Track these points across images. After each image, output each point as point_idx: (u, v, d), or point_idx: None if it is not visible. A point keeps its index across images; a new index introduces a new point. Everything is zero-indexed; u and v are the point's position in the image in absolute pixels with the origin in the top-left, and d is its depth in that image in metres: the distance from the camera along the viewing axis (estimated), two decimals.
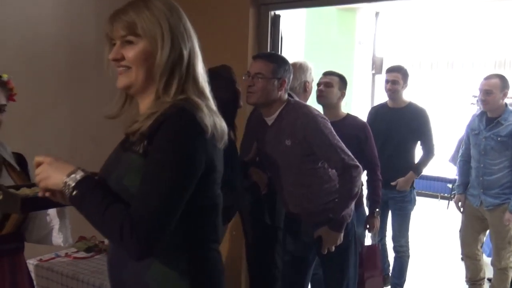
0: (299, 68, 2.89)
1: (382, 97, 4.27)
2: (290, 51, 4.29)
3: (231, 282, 3.38)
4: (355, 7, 7.48)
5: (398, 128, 3.63)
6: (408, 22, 8.21)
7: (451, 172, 6.37)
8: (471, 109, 6.36)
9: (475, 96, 6.76)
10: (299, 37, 6.28)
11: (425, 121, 3.64)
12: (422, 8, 7.69)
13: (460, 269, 4.62)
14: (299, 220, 2.48)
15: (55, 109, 3.11)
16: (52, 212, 1.98)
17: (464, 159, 3.68)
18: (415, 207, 3.82)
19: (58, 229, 1.99)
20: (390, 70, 3.73)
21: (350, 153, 2.29)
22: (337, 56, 7.10)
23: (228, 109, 2.17)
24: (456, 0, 7.25)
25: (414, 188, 3.76)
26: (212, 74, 1.48)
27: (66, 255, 2.55)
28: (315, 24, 7.13)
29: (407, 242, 3.81)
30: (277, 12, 3.53)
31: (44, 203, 1.36)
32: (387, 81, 3.74)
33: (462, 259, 4.84)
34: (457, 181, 3.86)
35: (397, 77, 3.65)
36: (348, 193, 2.28)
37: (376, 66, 8.18)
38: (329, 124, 2.34)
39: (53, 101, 3.10)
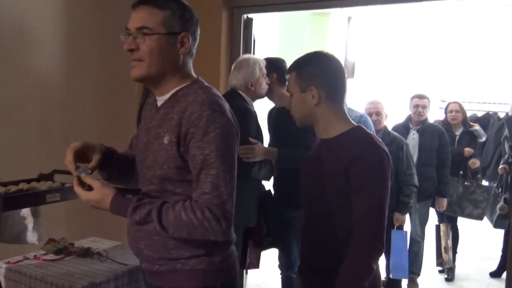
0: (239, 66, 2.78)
1: (354, 101, 4.31)
2: (264, 54, 4.32)
3: None
4: (328, 12, 7.58)
5: (283, 132, 2.84)
6: (380, 27, 8.37)
7: None
8: (439, 113, 6.50)
9: (444, 101, 6.95)
10: (272, 40, 6.33)
11: None
12: (394, 13, 7.85)
13: None
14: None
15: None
16: (26, 210, 1.95)
17: None
18: None
19: (32, 227, 1.96)
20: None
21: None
22: None
23: None
24: (424, 6, 7.42)
25: None
26: None
27: (35, 257, 2.49)
28: (289, 27, 7.19)
29: None
30: (250, 15, 3.56)
31: (25, 201, 1.34)
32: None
33: None
34: None
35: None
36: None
37: (348, 70, 8.29)
38: None
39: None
